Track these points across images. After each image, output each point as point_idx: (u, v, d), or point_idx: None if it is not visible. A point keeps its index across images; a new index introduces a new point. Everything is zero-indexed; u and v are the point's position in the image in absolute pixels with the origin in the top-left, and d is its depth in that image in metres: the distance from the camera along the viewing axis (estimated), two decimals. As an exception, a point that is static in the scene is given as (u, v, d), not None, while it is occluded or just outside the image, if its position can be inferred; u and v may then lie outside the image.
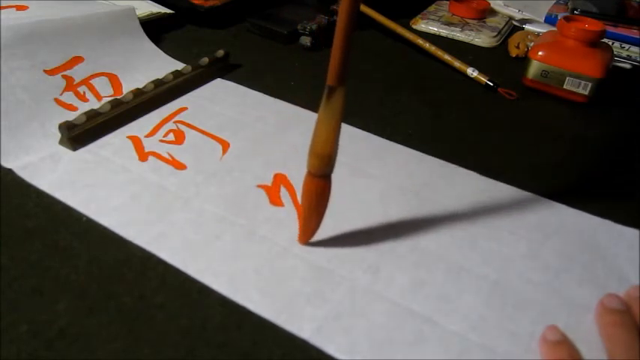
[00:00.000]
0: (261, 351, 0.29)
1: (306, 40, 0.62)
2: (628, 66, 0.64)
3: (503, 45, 0.67)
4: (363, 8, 0.66)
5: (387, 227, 0.37)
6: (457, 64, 0.59)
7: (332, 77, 0.30)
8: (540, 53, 0.55)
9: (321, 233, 0.36)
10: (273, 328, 0.30)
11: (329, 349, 0.29)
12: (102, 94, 0.49)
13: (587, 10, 0.68)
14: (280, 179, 0.41)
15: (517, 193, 0.41)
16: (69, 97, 0.48)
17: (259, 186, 0.40)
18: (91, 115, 0.44)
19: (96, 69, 0.51)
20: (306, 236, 0.35)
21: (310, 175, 0.33)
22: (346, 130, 0.47)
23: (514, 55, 0.64)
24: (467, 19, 0.71)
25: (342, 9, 0.28)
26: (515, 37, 0.65)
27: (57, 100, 0.47)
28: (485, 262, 0.35)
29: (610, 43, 0.62)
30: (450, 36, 0.68)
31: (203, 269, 0.33)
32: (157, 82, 0.49)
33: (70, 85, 0.48)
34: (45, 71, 0.48)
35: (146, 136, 0.45)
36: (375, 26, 0.67)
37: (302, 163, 0.42)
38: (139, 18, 0.58)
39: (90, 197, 0.38)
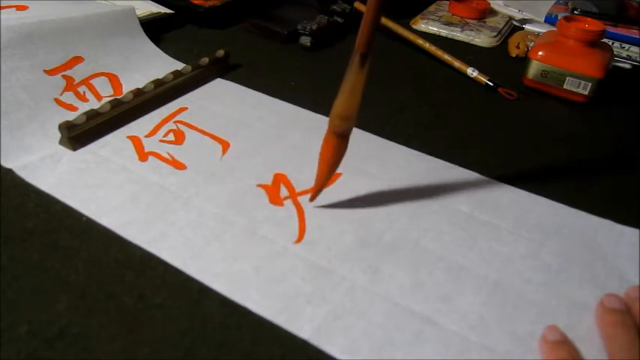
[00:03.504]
0: (261, 351, 0.29)
1: (306, 40, 0.62)
2: (628, 66, 0.64)
3: (504, 45, 0.67)
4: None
5: (386, 227, 0.37)
6: (457, 64, 0.59)
7: (363, 45, 0.32)
8: (540, 53, 0.55)
9: (322, 233, 0.36)
10: (273, 328, 0.30)
11: (329, 349, 0.29)
12: (102, 94, 0.49)
13: (587, 10, 0.68)
14: (280, 179, 0.41)
15: (517, 193, 0.41)
16: (69, 97, 0.48)
17: (259, 186, 0.40)
18: (91, 115, 0.44)
19: (96, 69, 0.51)
20: (317, 193, 0.38)
21: (333, 134, 0.35)
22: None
23: (514, 55, 0.64)
24: (467, 19, 0.71)
25: None
26: (515, 37, 0.65)
27: (57, 100, 0.47)
28: (485, 262, 0.35)
29: (610, 43, 0.62)
30: (450, 36, 0.68)
31: (203, 269, 0.33)
32: (157, 82, 0.49)
33: (70, 85, 0.48)
34: (45, 71, 0.48)
35: (146, 136, 0.45)
36: (375, 26, 0.66)
37: (302, 162, 0.43)
38: (139, 18, 0.58)
39: (90, 197, 0.38)
